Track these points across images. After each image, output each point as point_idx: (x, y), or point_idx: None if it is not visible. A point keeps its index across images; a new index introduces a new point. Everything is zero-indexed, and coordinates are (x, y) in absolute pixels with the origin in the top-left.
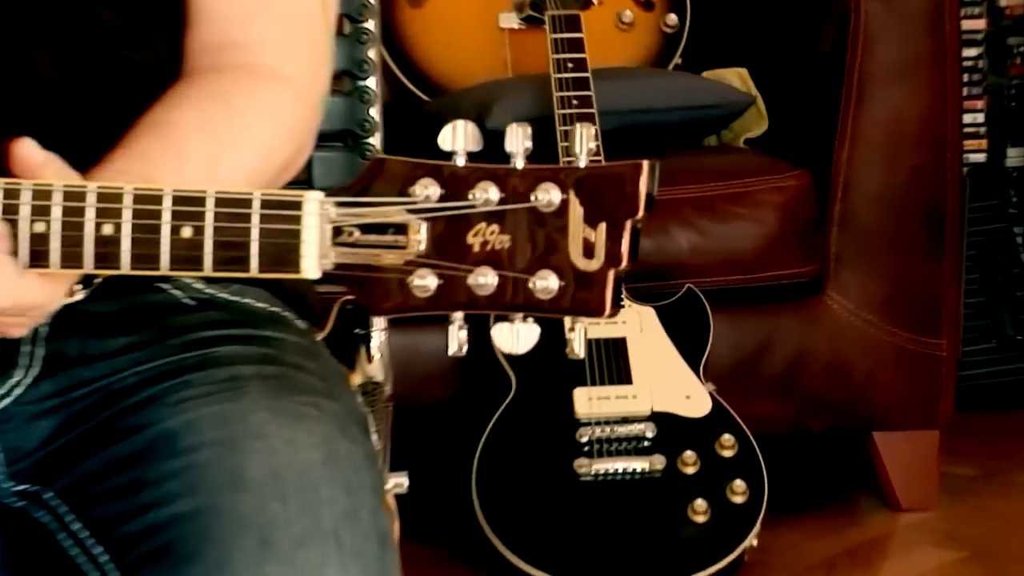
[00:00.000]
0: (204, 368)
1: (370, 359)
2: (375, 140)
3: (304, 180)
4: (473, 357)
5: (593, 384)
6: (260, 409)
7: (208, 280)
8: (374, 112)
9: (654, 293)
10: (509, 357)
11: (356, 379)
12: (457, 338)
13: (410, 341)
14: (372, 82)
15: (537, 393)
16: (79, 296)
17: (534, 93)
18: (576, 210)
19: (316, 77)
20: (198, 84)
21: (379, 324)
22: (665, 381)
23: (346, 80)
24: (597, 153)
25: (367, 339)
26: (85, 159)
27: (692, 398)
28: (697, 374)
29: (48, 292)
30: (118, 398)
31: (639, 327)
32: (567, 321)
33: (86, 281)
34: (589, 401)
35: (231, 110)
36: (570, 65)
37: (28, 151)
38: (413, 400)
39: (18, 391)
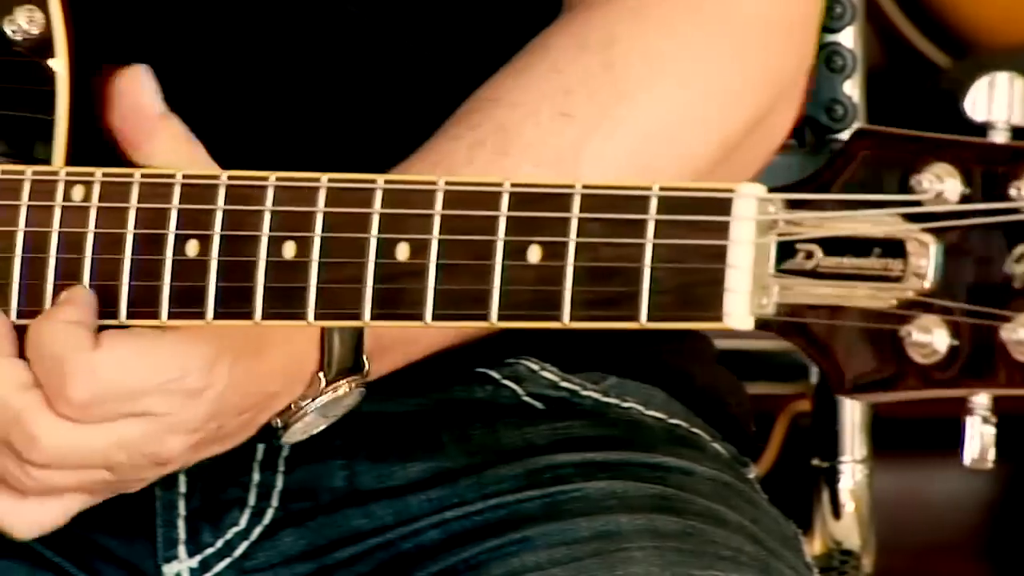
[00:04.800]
0: (555, 517)
1: (838, 512)
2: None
3: None
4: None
5: None
6: None
7: (565, 366)
8: (851, 86)
9: None
10: None
11: (814, 545)
12: (979, 437)
13: (911, 481)
14: (849, 36)
15: None
16: (346, 394)
17: None
18: None
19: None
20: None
21: (854, 452)
22: None
23: None
24: None
25: (833, 476)
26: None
27: None
28: None
29: (219, 378)
30: (409, 566)
31: None
32: None
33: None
34: None
35: (667, 50)
36: None
37: (141, 93)
38: None
39: (241, 548)
